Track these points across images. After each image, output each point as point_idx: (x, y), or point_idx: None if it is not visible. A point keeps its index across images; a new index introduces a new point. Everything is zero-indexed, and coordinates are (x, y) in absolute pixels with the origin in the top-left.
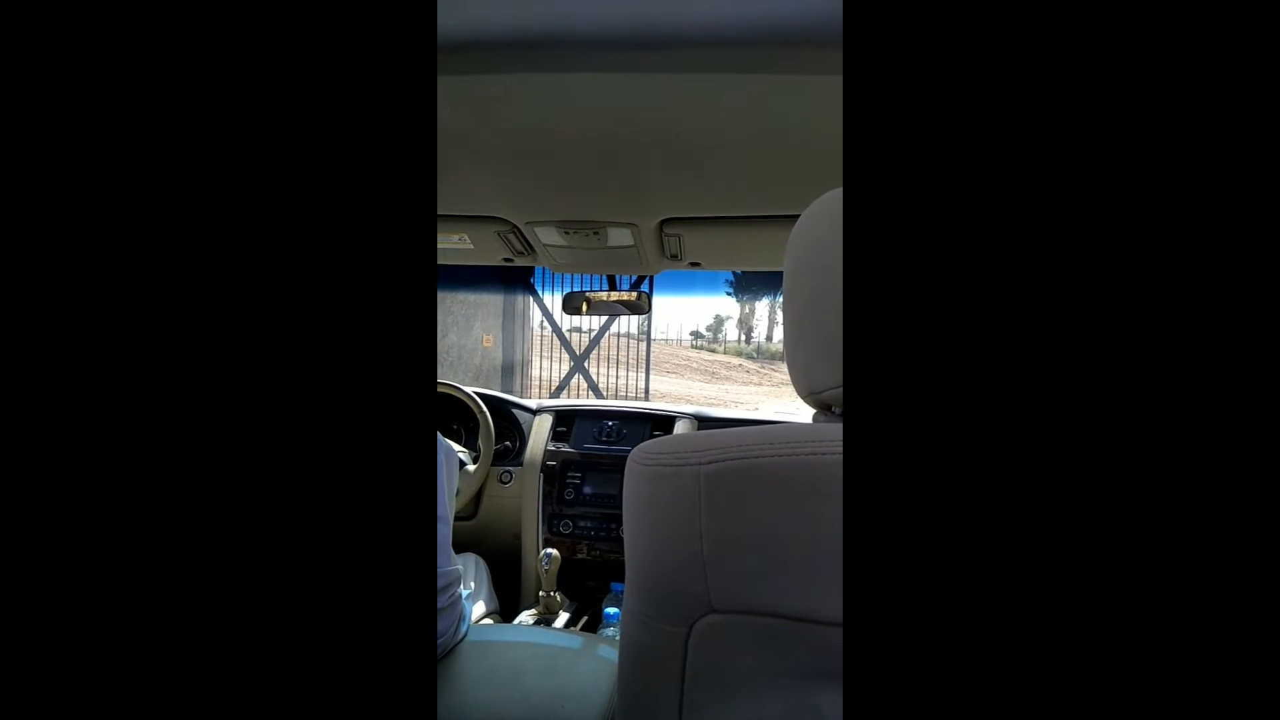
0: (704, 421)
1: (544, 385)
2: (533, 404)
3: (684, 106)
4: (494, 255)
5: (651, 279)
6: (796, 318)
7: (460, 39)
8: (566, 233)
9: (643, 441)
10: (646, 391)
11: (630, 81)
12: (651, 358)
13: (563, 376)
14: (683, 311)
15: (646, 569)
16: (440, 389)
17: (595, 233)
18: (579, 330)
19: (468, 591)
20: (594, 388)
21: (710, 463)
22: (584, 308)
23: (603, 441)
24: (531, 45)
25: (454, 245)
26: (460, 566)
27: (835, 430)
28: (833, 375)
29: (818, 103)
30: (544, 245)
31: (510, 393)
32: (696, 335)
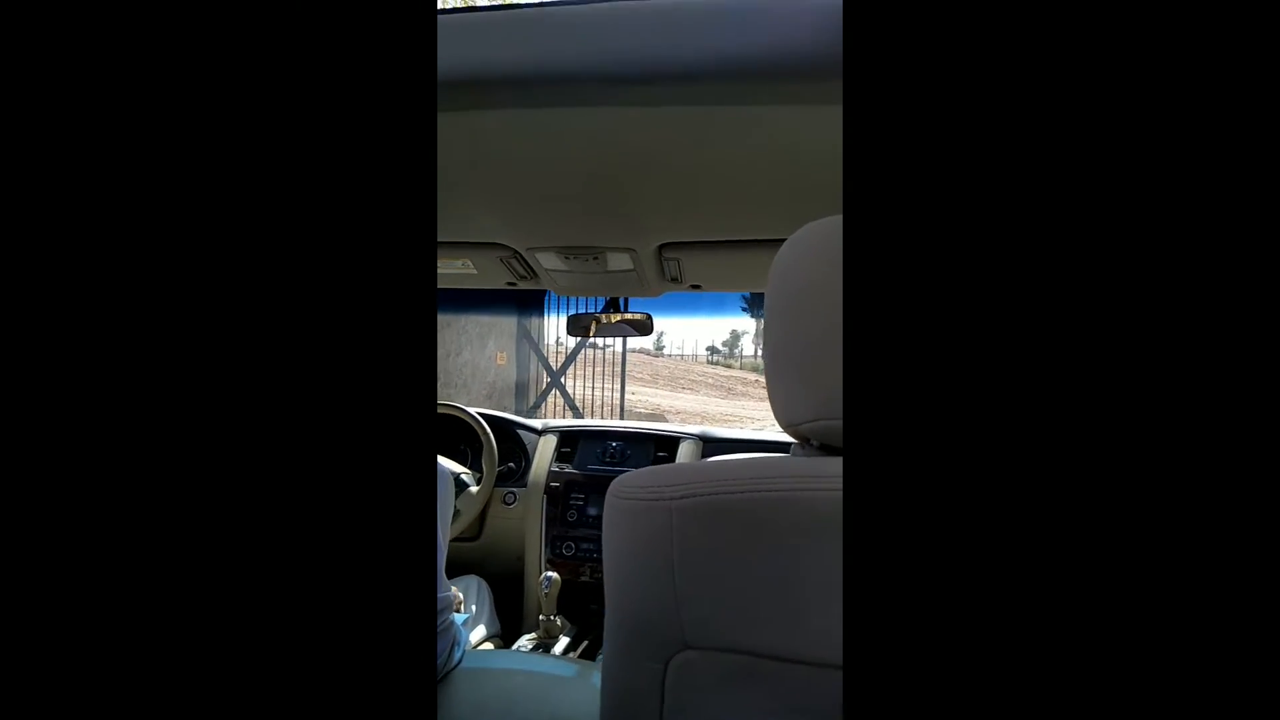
0: (709, 442)
1: (553, 404)
2: (538, 424)
3: (678, 137)
4: (498, 279)
5: (623, 300)
6: (775, 349)
7: (460, 77)
8: (566, 258)
9: (646, 462)
10: (621, 409)
11: (624, 115)
12: (668, 374)
13: (576, 395)
14: (698, 327)
15: (623, 603)
16: (445, 410)
17: (595, 258)
18: (594, 346)
19: (465, 616)
20: (571, 405)
21: (682, 497)
22: (592, 329)
23: (606, 462)
24: (527, 82)
25: (458, 270)
26: (454, 591)
27: (813, 465)
28: (810, 408)
29: (811, 132)
30: (545, 270)
31: (523, 410)
32: (712, 350)
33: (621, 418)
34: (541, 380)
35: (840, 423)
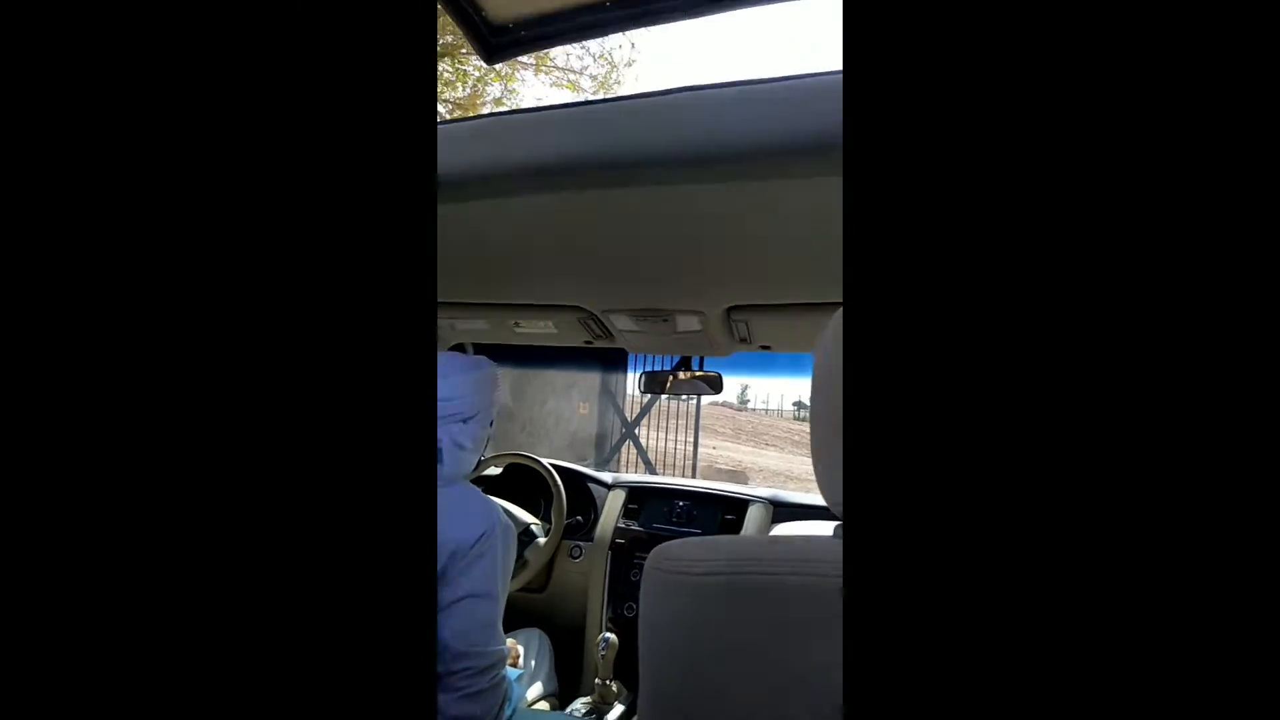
0: (779, 507)
1: (628, 455)
2: (608, 478)
3: (738, 211)
4: (576, 338)
5: (696, 359)
6: (816, 429)
7: (538, 165)
8: (639, 320)
9: (713, 524)
10: (694, 465)
11: (683, 192)
12: (751, 429)
13: (651, 446)
14: (784, 381)
15: (656, 677)
16: (520, 460)
17: (665, 319)
18: (675, 398)
19: (519, 672)
20: (644, 458)
21: (707, 574)
22: (667, 385)
23: (673, 522)
24: (595, 168)
25: (541, 330)
26: (510, 644)
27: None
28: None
29: None
30: (619, 330)
31: (600, 460)
32: (799, 406)
33: (694, 474)
34: (619, 431)
35: None
